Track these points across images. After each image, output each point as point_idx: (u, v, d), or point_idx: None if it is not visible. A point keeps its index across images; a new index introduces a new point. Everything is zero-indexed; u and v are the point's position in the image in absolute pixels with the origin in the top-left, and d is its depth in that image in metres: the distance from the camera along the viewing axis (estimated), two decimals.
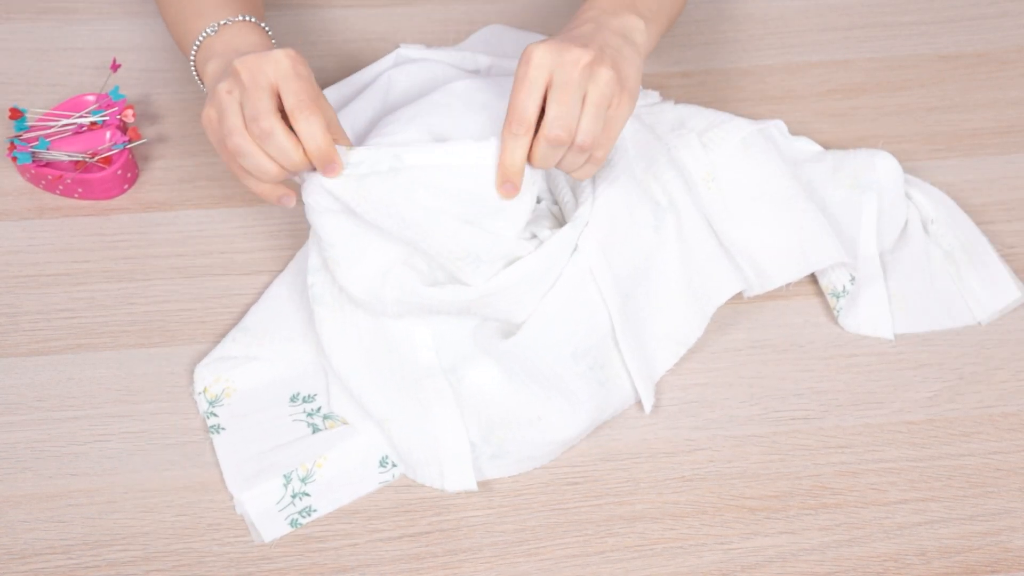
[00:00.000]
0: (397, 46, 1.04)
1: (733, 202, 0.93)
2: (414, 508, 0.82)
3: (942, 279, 0.93)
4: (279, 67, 0.76)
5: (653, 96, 1.00)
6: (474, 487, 0.82)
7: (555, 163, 0.80)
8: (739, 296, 0.92)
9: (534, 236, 0.86)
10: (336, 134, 0.79)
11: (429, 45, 1.05)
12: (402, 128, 0.85)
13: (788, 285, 0.92)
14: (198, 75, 0.87)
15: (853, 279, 0.90)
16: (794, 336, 0.91)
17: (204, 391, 0.86)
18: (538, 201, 0.90)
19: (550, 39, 0.78)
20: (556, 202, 0.90)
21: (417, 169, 0.79)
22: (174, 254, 0.95)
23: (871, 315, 0.90)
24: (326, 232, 0.81)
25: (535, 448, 0.83)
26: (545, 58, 0.77)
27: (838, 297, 0.91)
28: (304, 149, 0.77)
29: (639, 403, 0.87)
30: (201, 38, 0.85)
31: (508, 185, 0.80)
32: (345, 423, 0.85)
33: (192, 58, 0.87)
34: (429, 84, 0.95)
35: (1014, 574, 0.80)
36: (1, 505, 0.82)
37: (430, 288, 0.82)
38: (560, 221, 0.89)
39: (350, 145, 0.80)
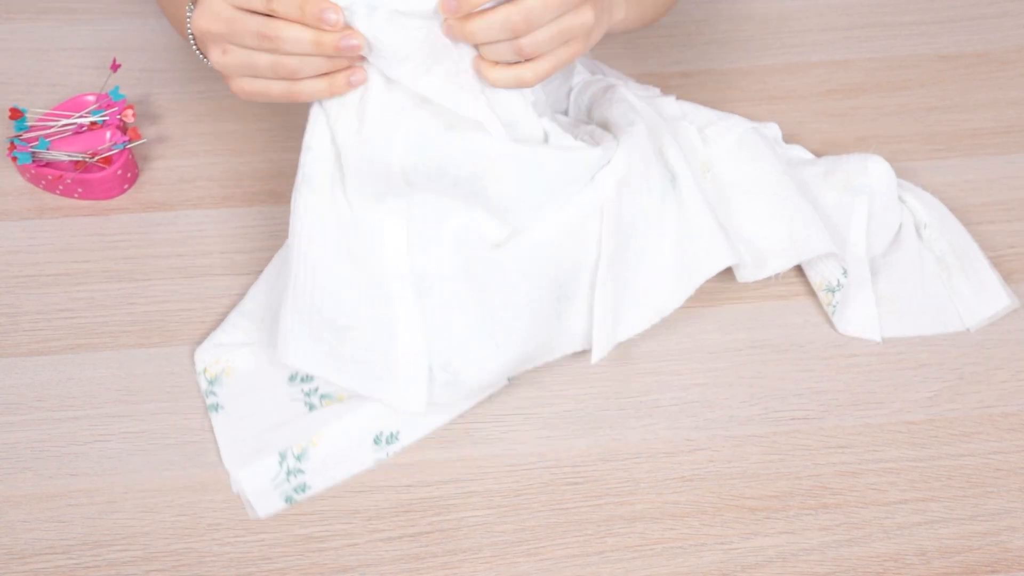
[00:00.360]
0: None
1: (727, 195, 0.93)
2: (414, 508, 0.82)
3: (933, 284, 0.93)
4: None
5: (653, 91, 1.00)
6: (423, 411, 0.83)
7: (481, 39, 0.75)
8: (739, 296, 0.92)
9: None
10: None
11: None
12: None
13: (777, 275, 0.92)
14: (199, 49, 0.86)
15: (846, 272, 0.90)
16: (794, 336, 0.91)
17: (204, 371, 0.87)
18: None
19: None
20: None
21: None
22: (174, 254, 0.95)
23: (859, 317, 0.90)
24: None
25: (487, 375, 0.83)
26: None
27: (833, 292, 0.91)
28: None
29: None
30: (189, 12, 0.84)
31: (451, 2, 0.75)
32: (341, 400, 0.86)
33: (190, 33, 0.86)
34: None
35: (1014, 574, 0.80)
36: (1, 505, 0.82)
37: (448, 132, 0.78)
38: None
39: None
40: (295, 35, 0.75)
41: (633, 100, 0.91)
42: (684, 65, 1.08)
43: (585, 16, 0.76)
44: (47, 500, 0.82)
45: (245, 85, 0.78)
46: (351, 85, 0.78)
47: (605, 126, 0.91)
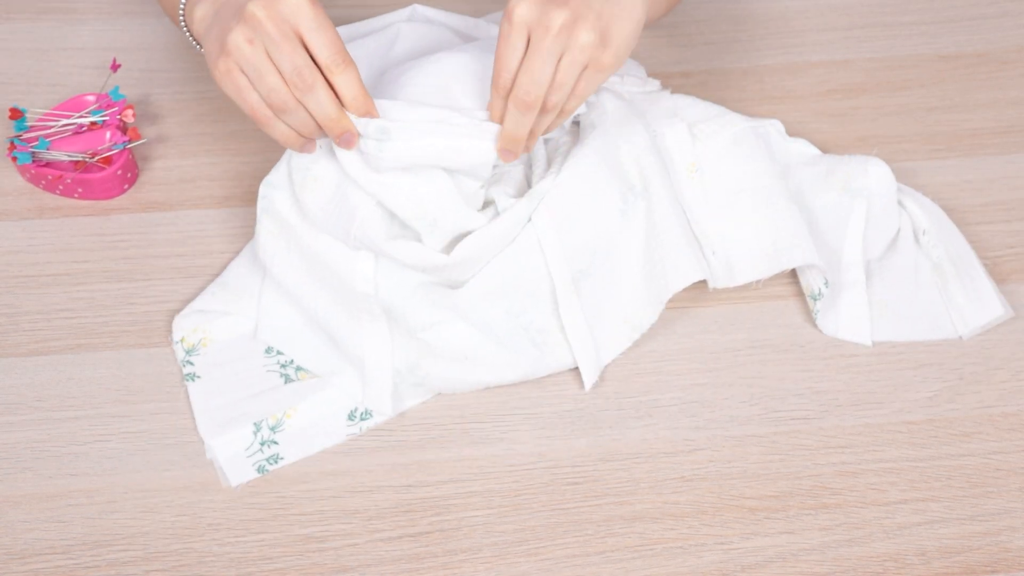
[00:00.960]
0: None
1: (713, 194, 0.93)
2: (414, 508, 0.82)
3: (928, 290, 0.92)
4: (300, 12, 0.75)
5: (653, 84, 1.00)
6: (389, 411, 0.85)
7: (528, 127, 0.80)
8: (739, 296, 0.92)
9: (492, 203, 0.87)
10: None
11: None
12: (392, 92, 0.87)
13: (759, 282, 0.92)
14: (189, 31, 0.86)
15: (827, 283, 0.90)
16: (794, 336, 0.91)
17: (182, 340, 0.88)
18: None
19: None
20: (530, 163, 0.92)
21: (402, 145, 0.81)
22: (174, 254, 0.95)
23: (850, 320, 0.90)
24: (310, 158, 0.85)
25: (458, 383, 0.86)
26: (525, 15, 0.76)
27: (815, 299, 0.91)
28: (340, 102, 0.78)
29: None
30: None
31: (507, 152, 0.81)
32: (316, 376, 0.87)
33: (181, 14, 0.85)
34: (433, 47, 0.95)
35: (1014, 574, 0.80)
36: (1, 505, 0.82)
37: (390, 242, 0.83)
38: (525, 187, 0.90)
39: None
40: (323, 99, 0.77)
41: (611, 107, 0.91)
42: (684, 65, 1.08)
43: (582, 37, 0.77)
44: (47, 500, 0.82)
45: (234, 76, 0.77)
46: (304, 151, 0.83)
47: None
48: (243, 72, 0.77)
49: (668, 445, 0.85)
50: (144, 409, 0.86)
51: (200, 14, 0.82)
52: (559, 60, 0.77)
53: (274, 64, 0.76)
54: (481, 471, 0.84)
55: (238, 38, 0.76)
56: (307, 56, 0.76)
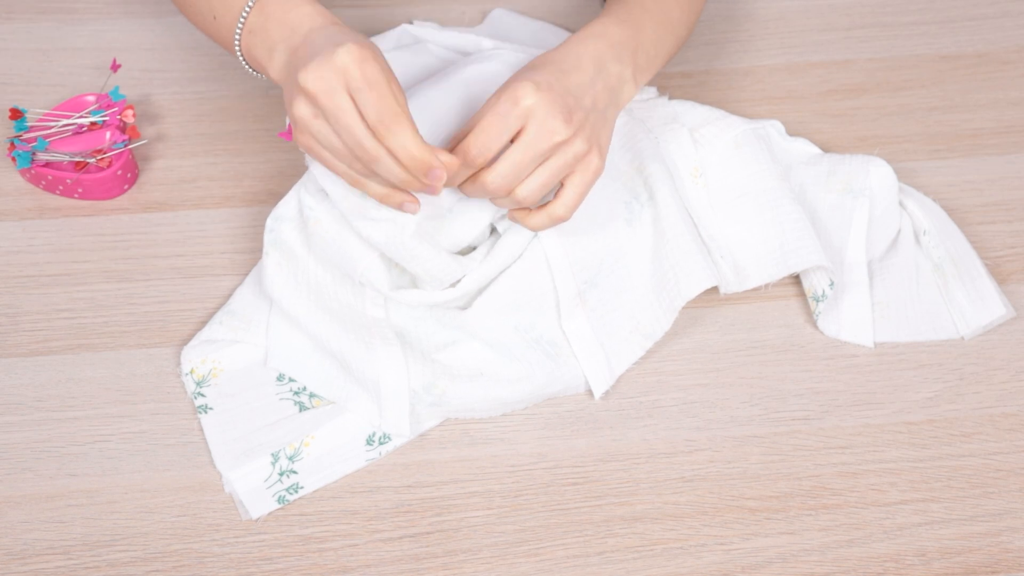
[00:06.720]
0: (410, 22, 1.05)
1: (718, 198, 0.93)
2: (414, 508, 0.82)
3: (929, 290, 0.92)
4: (348, 78, 0.73)
5: (650, 92, 1.00)
6: (408, 433, 0.84)
7: (481, 196, 0.80)
8: (740, 296, 0.92)
9: (494, 230, 0.87)
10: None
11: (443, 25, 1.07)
12: None
13: (768, 285, 0.92)
14: (247, 63, 0.84)
15: (832, 284, 0.90)
16: (794, 336, 0.91)
17: (191, 372, 0.87)
18: None
19: (544, 82, 0.77)
20: None
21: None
22: (174, 254, 0.95)
23: (852, 321, 0.90)
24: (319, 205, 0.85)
25: (475, 402, 0.85)
26: (533, 111, 0.76)
27: (817, 301, 0.91)
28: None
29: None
30: (241, 22, 0.82)
31: (430, 186, 0.77)
32: (330, 403, 0.86)
33: (237, 44, 0.83)
34: (421, 74, 0.95)
35: (1014, 574, 0.80)
36: (1, 505, 0.82)
37: (396, 292, 0.84)
38: None
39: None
40: (391, 167, 0.75)
41: None
42: (684, 65, 1.08)
43: (575, 147, 0.78)
44: (47, 500, 0.82)
45: (314, 147, 0.77)
46: (404, 210, 0.80)
47: None
48: (316, 143, 0.76)
49: (668, 445, 0.85)
50: (144, 409, 0.86)
51: (279, 62, 0.80)
52: (542, 163, 0.78)
53: (337, 139, 0.75)
54: (481, 471, 0.84)
55: (303, 112, 0.75)
56: (364, 128, 0.73)
